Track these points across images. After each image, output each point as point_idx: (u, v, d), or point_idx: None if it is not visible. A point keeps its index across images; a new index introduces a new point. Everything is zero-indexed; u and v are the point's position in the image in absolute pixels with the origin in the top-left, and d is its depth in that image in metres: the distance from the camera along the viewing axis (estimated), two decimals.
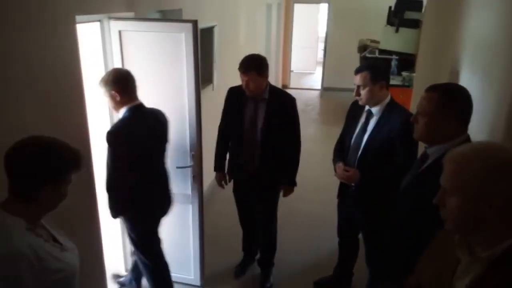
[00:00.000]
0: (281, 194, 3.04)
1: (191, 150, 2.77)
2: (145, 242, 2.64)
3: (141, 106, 2.40)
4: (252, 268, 3.37)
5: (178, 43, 2.54)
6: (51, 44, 1.87)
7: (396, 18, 6.11)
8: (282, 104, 2.82)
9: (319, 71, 10.82)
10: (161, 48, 2.61)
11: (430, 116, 1.69)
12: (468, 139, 1.70)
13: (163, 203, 2.67)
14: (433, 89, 1.73)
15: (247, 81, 2.68)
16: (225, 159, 3.07)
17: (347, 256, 3.04)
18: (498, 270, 1.03)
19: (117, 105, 2.33)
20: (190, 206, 2.92)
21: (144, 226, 2.59)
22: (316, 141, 5.98)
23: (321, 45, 10.72)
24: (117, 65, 2.69)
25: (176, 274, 3.15)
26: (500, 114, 1.76)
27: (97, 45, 2.65)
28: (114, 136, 2.25)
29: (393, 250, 1.95)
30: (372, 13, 8.07)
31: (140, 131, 2.35)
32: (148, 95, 2.71)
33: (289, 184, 2.99)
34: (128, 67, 2.68)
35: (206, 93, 4.17)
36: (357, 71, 2.48)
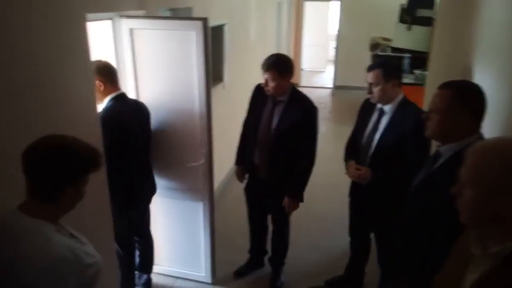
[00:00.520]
0: None
1: (201, 148, 2.76)
2: (122, 232, 2.60)
3: (124, 95, 2.48)
4: (259, 270, 3.36)
5: (188, 41, 2.54)
6: (61, 42, 1.88)
7: (408, 16, 6.04)
8: (300, 110, 2.71)
9: (330, 69, 10.76)
10: (172, 46, 2.61)
11: (443, 113, 1.66)
12: (481, 138, 1.66)
13: (142, 196, 2.70)
14: (447, 86, 1.70)
15: (267, 79, 2.65)
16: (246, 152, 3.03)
17: (358, 255, 3.01)
18: (508, 266, 1.03)
19: (101, 95, 2.40)
20: (201, 203, 2.93)
21: (122, 218, 2.56)
22: (327, 140, 5.97)
23: (332, 43, 10.65)
24: (128, 63, 2.70)
25: (186, 271, 3.18)
26: None
27: (109, 44, 2.66)
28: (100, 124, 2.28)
29: (404, 250, 1.92)
30: (384, 10, 7.99)
31: (124, 119, 2.40)
32: (159, 93, 2.74)
33: (293, 197, 2.81)
34: (139, 65, 2.71)
35: (216, 92, 4.17)
36: (370, 69, 2.46)
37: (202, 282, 3.17)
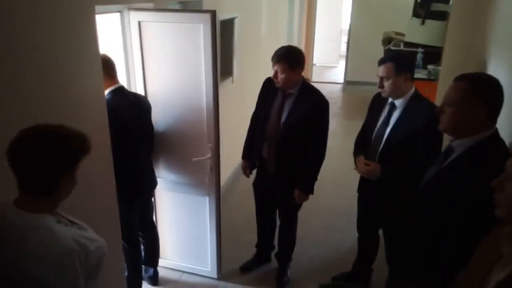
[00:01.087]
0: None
1: (208, 142, 2.75)
2: (125, 227, 2.58)
3: (122, 88, 2.47)
4: (266, 265, 3.34)
5: (196, 34, 2.52)
6: (69, 35, 1.87)
7: (422, 10, 5.93)
8: (310, 104, 2.66)
9: (342, 64, 10.65)
10: (180, 39, 2.59)
11: (457, 106, 1.61)
12: (496, 133, 1.61)
13: (143, 191, 2.70)
14: (461, 78, 1.65)
15: (277, 71, 2.61)
16: (253, 146, 3.01)
17: (366, 252, 2.98)
18: None
19: None
20: (207, 198, 2.92)
21: (123, 212, 2.53)
22: (338, 136, 5.92)
23: (345, 38, 10.53)
24: (137, 56, 2.69)
25: (192, 265, 3.18)
26: None
27: (116, 37, 2.65)
28: None
29: (413, 247, 1.89)
30: (397, 5, 7.86)
31: (122, 113, 2.39)
32: (166, 87, 2.73)
33: (303, 190, 2.82)
34: (147, 58, 2.69)
35: (225, 86, 4.15)
36: (381, 62, 2.39)
37: (208, 277, 3.17)
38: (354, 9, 9.06)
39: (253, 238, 3.33)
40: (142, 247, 2.92)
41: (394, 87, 2.36)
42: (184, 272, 3.22)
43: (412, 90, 2.40)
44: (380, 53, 6.79)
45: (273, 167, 2.83)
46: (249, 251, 3.34)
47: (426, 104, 2.36)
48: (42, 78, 1.70)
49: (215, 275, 3.15)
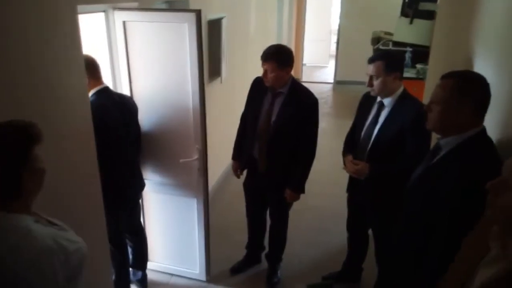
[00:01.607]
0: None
1: (195, 143, 2.72)
2: (112, 231, 2.54)
3: (107, 89, 2.44)
4: (256, 266, 3.32)
5: (181, 33, 2.48)
6: (51, 35, 1.83)
7: (410, 9, 5.96)
8: (300, 103, 2.66)
9: (332, 64, 10.68)
10: (165, 38, 2.56)
11: (444, 104, 1.61)
12: (483, 131, 1.61)
13: (130, 193, 2.67)
14: (449, 76, 1.65)
15: (266, 70, 2.60)
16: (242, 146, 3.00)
17: (356, 251, 2.98)
18: None
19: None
20: (195, 200, 2.88)
21: (110, 216, 2.49)
22: (328, 135, 5.92)
23: (334, 38, 10.56)
24: (122, 56, 2.65)
25: (181, 268, 3.15)
26: None
27: (101, 37, 2.61)
28: None
29: (402, 246, 1.88)
30: (386, 4, 7.90)
31: (106, 113, 2.36)
32: (152, 87, 2.69)
33: (294, 189, 2.81)
34: (132, 58, 2.66)
35: (214, 86, 4.12)
36: (371, 61, 2.37)
37: (196, 279, 3.14)
38: (343, 9, 9.09)
39: (244, 238, 3.31)
40: (130, 249, 2.88)
41: (383, 85, 2.35)
42: (173, 275, 3.18)
43: (401, 89, 2.40)
44: (369, 52, 6.80)
45: (264, 167, 2.81)
46: (240, 252, 3.31)
47: (414, 103, 2.36)
48: (20, 78, 1.66)
49: (203, 278, 3.11)
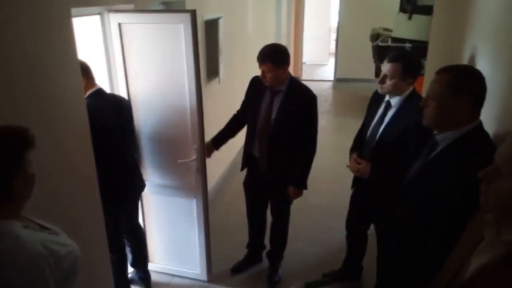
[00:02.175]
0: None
1: (193, 144, 2.72)
2: (109, 233, 2.52)
3: (101, 91, 2.44)
4: (257, 265, 3.32)
5: (177, 34, 2.48)
6: (45, 39, 1.83)
7: (408, 5, 5.93)
8: (299, 99, 2.68)
9: (332, 62, 10.66)
10: (161, 40, 2.56)
11: (440, 98, 1.60)
12: (480, 125, 1.60)
13: (128, 195, 2.66)
14: (444, 71, 1.63)
15: (263, 71, 2.62)
16: (225, 136, 3.01)
17: (355, 249, 2.97)
18: None
19: None
20: (194, 200, 2.88)
21: (108, 217, 2.48)
22: (328, 133, 5.90)
23: (334, 36, 10.55)
24: (118, 58, 2.65)
25: (182, 268, 3.15)
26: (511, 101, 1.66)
27: (97, 39, 2.61)
28: None
29: (402, 245, 1.87)
30: (385, 0, 7.89)
31: (102, 115, 2.37)
32: (149, 88, 2.69)
33: (297, 185, 2.82)
34: (129, 59, 2.66)
35: (212, 86, 4.12)
36: (391, 60, 2.30)
37: (197, 279, 3.14)
38: (342, 7, 9.07)
39: (244, 238, 3.31)
40: (129, 249, 2.89)
41: (394, 88, 2.32)
42: (174, 275, 3.19)
43: (410, 90, 2.36)
44: (369, 49, 6.80)
45: (265, 165, 2.81)
46: (240, 252, 3.31)
47: (419, 102, 2.33)
48: (15, 81, 1.66)
49: (204, 278, 3.12)
